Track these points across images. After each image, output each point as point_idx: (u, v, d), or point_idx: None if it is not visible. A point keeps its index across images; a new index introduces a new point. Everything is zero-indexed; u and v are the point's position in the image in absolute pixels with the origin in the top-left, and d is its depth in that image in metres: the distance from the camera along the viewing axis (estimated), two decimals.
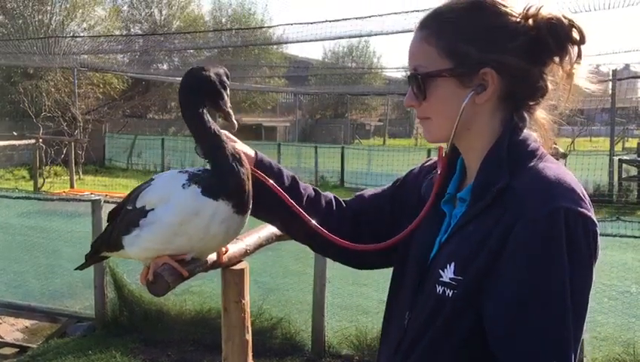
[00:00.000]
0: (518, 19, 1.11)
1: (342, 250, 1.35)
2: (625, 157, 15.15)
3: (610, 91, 15.26)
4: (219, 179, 1.35)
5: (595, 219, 1.03)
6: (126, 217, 1.46)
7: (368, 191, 1.47)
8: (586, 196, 1.05)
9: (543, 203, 1.00)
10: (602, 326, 5.15)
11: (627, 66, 23.93)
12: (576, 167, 12.92)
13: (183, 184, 1.37)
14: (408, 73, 1.17)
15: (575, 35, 1.09)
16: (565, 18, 1.10)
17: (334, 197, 1.46)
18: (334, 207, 1.43)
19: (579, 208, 1.01)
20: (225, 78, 1.40)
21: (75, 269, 1.76)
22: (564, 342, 0.99)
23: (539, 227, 0.99)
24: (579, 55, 1.11)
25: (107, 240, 1.54)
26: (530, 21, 1.10)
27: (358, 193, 1.49)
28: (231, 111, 1.40)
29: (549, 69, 1.13)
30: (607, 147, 15.93)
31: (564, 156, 12.16)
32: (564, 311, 0.98)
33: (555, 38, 1.09)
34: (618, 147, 21.71)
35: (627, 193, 13.72)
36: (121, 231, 1.45)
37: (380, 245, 1.31)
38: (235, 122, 1.41)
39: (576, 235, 0.99)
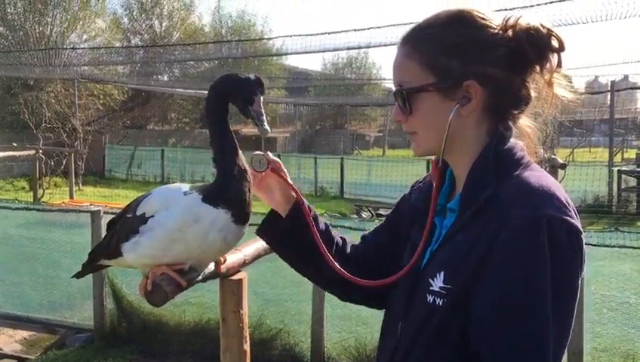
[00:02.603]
0: (498, 31, 1.12)
1: (362, 291, 1.34)
2: (624, 168, 15.16)
3: (608, 102, 15.30)
4: (220, 188, 1.37)
5: (579, 227, 1.04)
6: (125, 225, 1.47)
7: (370, 231, 1.46)
8: (571, 204, 1.06)
9: (527, 211, 1.02)
10: (602, 337, 5.13)
11: (626, 77, 24.00)
12: (575, 177, 12.91)
13: (185, 192, 1.40)
14: (394, 89, 1.19)
15: (554, 43, 1.11)
16: (544, 27, 1.12)
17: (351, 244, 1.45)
18: (354, 254, 1.43)
19: (563, 216, 1.02)
20: (254, 82, 1.38)
21: (72, 277, 1.77)
22: (544, 347, 1.00)
23: (523, 235, 1.01)
24: (559, 64, 1.13)
25: (106, 249, 1.56)
26: (510, 32, 1.12)
27: (363, 234, 1.47)
28: (258, 115, 1.37)
29: (531, 77, 1.15)
30: (606, 158, 15.96)
31: (563, 167, 12.15)
32: (544, 318, 1.00)
33: (534, 47, 1.11)
34: (617, 158, 21.73)
35: (626, 204, 13.71)
36: (120, 238, 1.47)
37: (388, 279, 1.27)
38: (266, 128, 1.38)
39: (560, 243, 1.01)
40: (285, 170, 1.38)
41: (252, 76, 1.39)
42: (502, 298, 1.02)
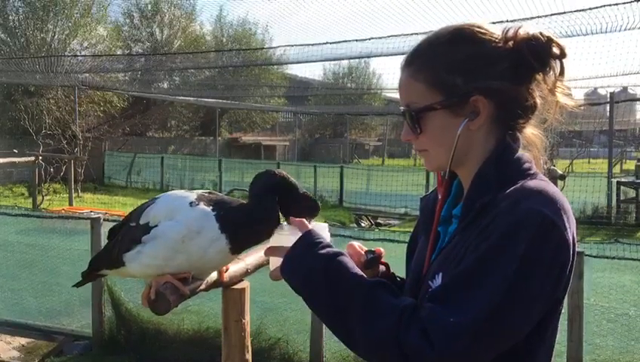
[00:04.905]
0: (499, 44, 1.14)
1: None
2: (623, 179, 15.16)
3: (607, 114, 15.33)
4: (240, 221, 1.39)
5: (565, 235, 1.05)
6: (128, 234, 1.47)
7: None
8: (569, 214, 1.08)
9: (520, 202, 1.05)
10: (601, 349, 5.12)
11: (625, 89, 24.04)
12: (575, 188, 12.93)
13: (191, 202, 1.39)
14: (402, 109, 1.20)
15: (555, 50, 1.13)
16: (543, 36, 1.13)
17: None
18: None
19: (553, 217, 1.04)
20: (313, 209, 1.47)
21: (73, 286, 1.76)
22: (481, 312, 1.00)
23: (510, 218, 1.03)
24: (561, 71, 1.15)
25: (107, 258, 1.55)
26: (510, 43, 1.14)
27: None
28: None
29: (535, 85, 1.17)
30: (606, 169, 15.96)
31: (563, 178, 12.18)
32: (501, 285, 1.01)
33: (535, 55, 1.12)
34: (616, 169, 21.75)
35: (625, 215, 13.71)
36: (122, 248, 1.47)
37: None
38: None
39: (541, 240, 1.02)
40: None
41: (311, 201, 1.47)
42: (471, 262, 1.05)
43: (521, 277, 1.00)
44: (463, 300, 1.01)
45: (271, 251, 1.25)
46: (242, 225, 1.39)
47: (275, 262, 1.23)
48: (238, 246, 1.41)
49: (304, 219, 1.25)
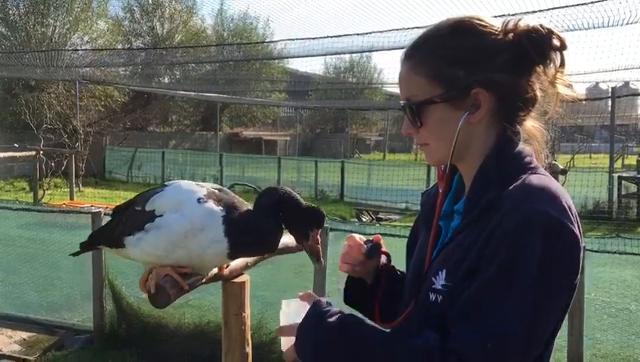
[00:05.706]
0: (499, 36, 1.13)
1: None
2: (624, 174, 15.14)
3: (609, 108, 15.31)
4: (245, 230, 1.39)
5: (574, 231, 1.05)
6: (132, 217, 1.47)
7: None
8: (573, 211, 1.07)
9: (526, 205, 1.04)
10: (602, 344, 5.13)
11: (627, 84, 23.97)
12: (576, 183, 12.92)
13: (199, 198, 1.38)
14: (402, 103, 1.19)
15: (555, 41, 1.12)
16: (543, 27, 1.12)
17: None
18: None
19: (560, 217, 1.03)
20: (313, 218, 1.43)
21: (70, 255, 1.78)
22: (512, 325, 1.00)
23: (518, 221, 1.03)
24: (562, 63, 1.14)
25: (109, 236, 1.55)
26: (510, 35, 1.13)
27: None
28: (312, 250, 1.41)
29: (535, 77, 1.16)
30: (607, 164, 15.94)
31: (564, 172, 12.16)
32: (522, 300, 1.01)
33: (535, 47, 1.12)
34: (618, 164, 21.73)
35: (627, 210, 13.71)
36: (125, 230, 1.46)
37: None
38: (321, 262, 1.41)
39: (552, 240, 1.02)
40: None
41: (315, 212, 1.44)
42: (490, 276, 1.03)
43: (540, 283, 1.01)
44: (491, 318, 1.01)
45: (281, 331, 1.24)
46: (246, 234, 1.39)
47: (287, 341, 1.22)
48: (236, 253, 1.42)
49: (311, 291, 1.25)
